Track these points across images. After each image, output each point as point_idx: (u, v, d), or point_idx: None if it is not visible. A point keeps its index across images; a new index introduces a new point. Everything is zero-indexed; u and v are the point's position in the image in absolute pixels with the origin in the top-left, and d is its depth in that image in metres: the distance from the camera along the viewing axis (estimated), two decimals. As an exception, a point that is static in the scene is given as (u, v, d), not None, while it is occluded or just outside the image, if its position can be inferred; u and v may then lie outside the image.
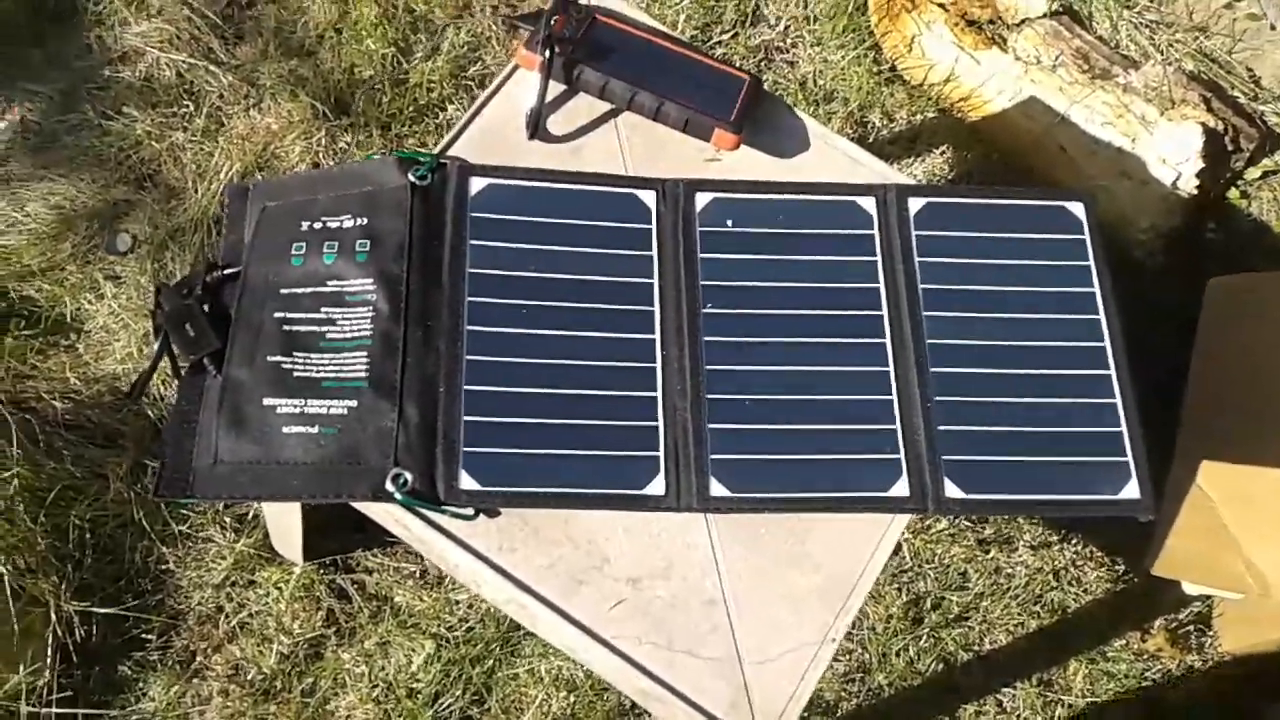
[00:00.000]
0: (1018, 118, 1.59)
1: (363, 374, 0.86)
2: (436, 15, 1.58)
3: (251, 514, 1.30)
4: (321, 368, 0.86)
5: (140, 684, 1.22)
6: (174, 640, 1.25)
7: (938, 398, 0.91)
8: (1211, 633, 1.36)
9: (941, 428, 0.90)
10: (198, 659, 1.25)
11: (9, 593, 1.15)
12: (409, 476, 0.83)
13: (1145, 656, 1.34)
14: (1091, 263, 0.98)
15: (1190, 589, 1.33)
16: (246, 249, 0.93)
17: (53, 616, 1.17)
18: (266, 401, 0.85)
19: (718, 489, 0.86)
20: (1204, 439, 1.30)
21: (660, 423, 0.88)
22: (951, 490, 0.88)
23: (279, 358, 0.86)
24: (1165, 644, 1.34)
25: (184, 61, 1.49)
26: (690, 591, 0.85)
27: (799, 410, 0.90)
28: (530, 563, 0.85)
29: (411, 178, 0.93)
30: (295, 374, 0.86)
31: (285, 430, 0.84)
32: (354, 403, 0.85)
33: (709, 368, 0.91)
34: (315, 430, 0.84)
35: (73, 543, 1.22)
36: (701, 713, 0.81)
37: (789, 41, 1.65)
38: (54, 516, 1.21)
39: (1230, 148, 1.56)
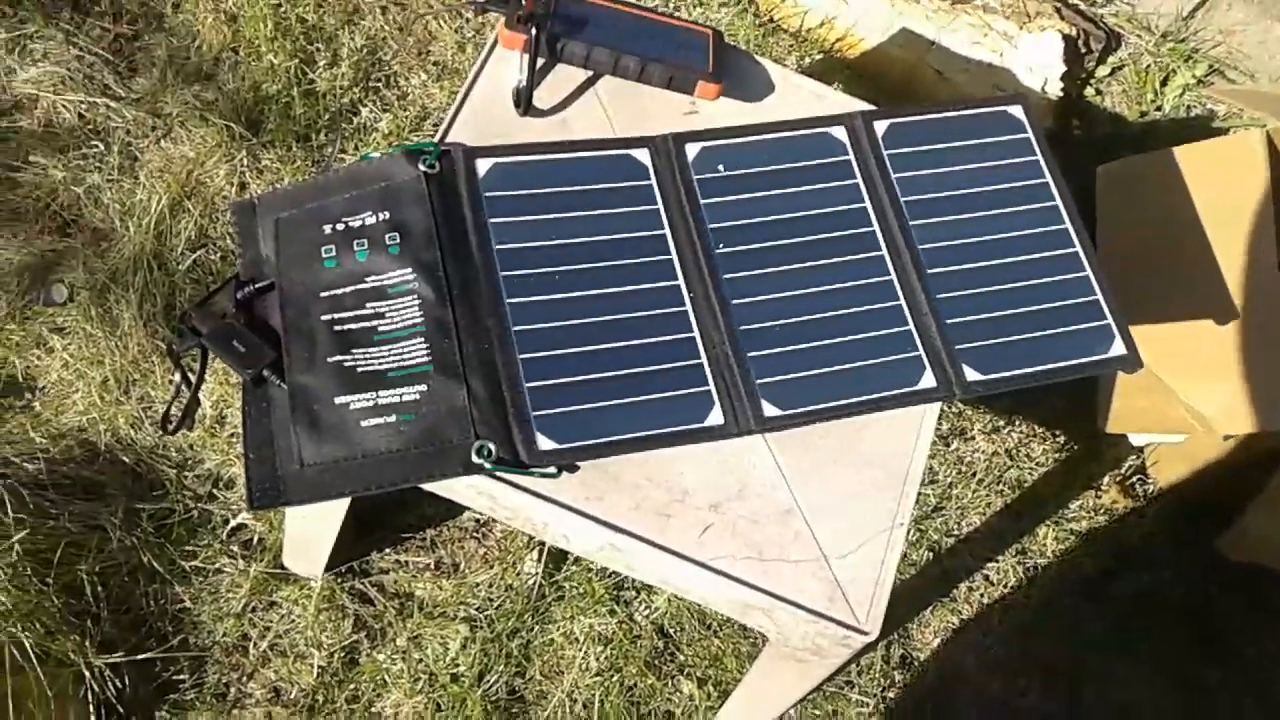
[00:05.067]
0: (893, 50, 1.71)
1: (425, 359, 0.89)
2: (327, 22, 1.57)
3: (257, 538, 1.29)
4: (382, 359, 0.89)
5: (180, 726, 1.21)
6: (206, 676, 1.24)
7: (939, 295, 1.00)
8: (1150, 478, 1.51)
9: (950, 321, 0.99)
10: (233, 690, 1.24)
11: (34, 659, 1.12)
12: (492, 447, 0.86)
13: (1102, 510, 1.49)
14: (1039, 156, 1.09)
15: (1137, 440, 1.48)
16: (271, 262, 0.94)
17: (86, 675, 1.14)
18: (338, 400, 0.87)
19: (770, 410, 0.93)
20: (1124, 310, 1.44)
21: (704, 359, 0.94)
22: (971, 374, 0.98)
23: (339, 357, 0.88)
24: (1118, 496, 1.49)
25: (82, 101, 1.44)
26: (767, 506, 0.91)
27: (823, 328, 0.98)
28: (617, 507, 0.90)
29: (422, 167, 0.96)
30: (359, 370, 0.88)
31: (364, 424, 0.86)
32: (424, 387, 0.88)
33: (734, 302, 0.97)
34: (394, 419, 0.87)
35: (86, 599, 1.19)
36: (805, 610, 0.88)
37: (671, 6, 1.72)
38: (62, 576, 1.18)
39: (1083, 50, 1.72)
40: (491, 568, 1.33)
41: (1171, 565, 1.46)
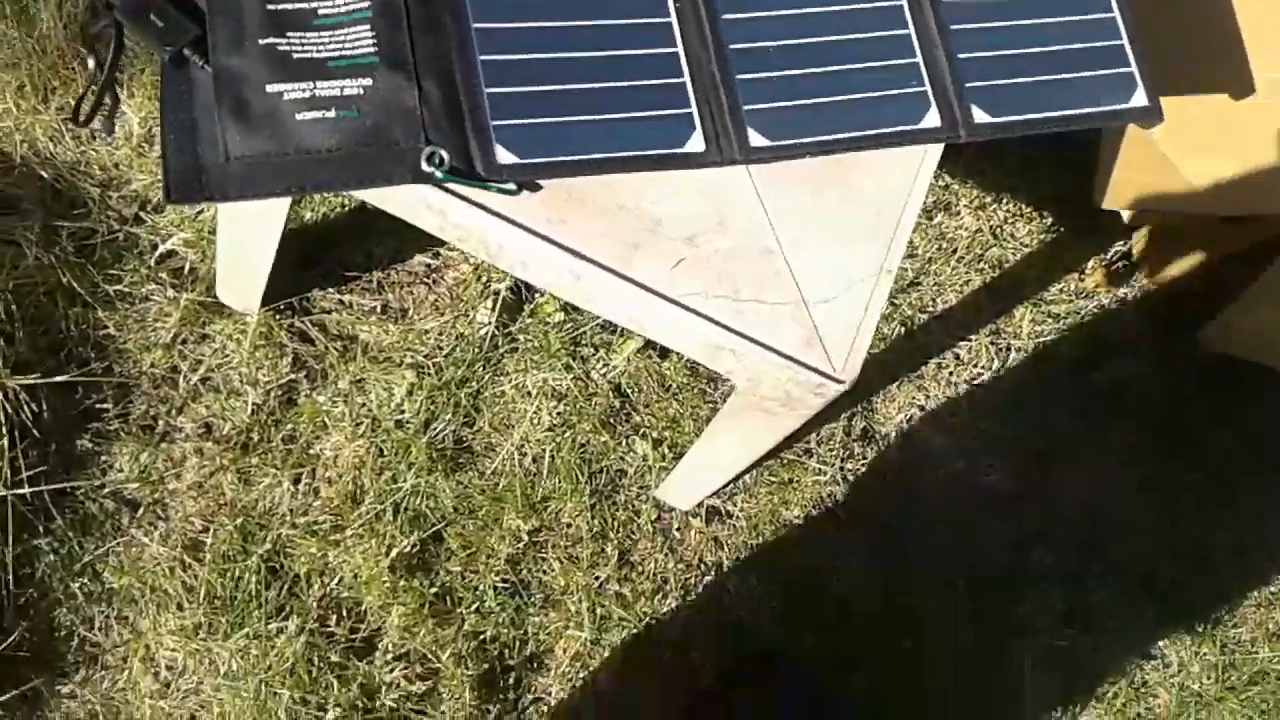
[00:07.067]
0: None
1: (370, 49, 0.78)
2: None
3: (189, 266, 1.20)
4: (323, 46, 0.78)
5: (104, 456, 1.14)
6: (132, 407, 1.16)
7: (953, 26, 0.90)
8: (1137, 264, 1.45)
9: (961, 56, 0.89)
10: (161, 422, 1.17)
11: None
12: (445, 155, 0.76)
13: (1083, 295, 1.43)
14: (1078, -125, 0.97)
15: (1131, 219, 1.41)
16: (195, -74, 0.81)
17: (-1, 395, 1.07)
18: (270, 88, 0.76)
19: (757, 139, 0.84)
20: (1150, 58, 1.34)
21: (687, 78, 0.84)
22: (980, 116, 0.89)
23: (272, 40, 0.77)
24: (1102, 280, 1.43)
25: None
26: (747, 242, 0.83)
27: (822, 53, 0.87)
28: (582, 231, 0.81)
29: None
30: (295, 55, 0.77)
31: (298, 117, 0.76)
32: (368, 81, 0.77)
33: (725, 17, 0.86)
34: (332, 114, 0.76)
35: None
36: (779, 354, 0.81)
37: None
38: (-29, 292, 1.09)
39: None
40: (442, 315, 1.25)
41: (1150, 357, 1.42)
